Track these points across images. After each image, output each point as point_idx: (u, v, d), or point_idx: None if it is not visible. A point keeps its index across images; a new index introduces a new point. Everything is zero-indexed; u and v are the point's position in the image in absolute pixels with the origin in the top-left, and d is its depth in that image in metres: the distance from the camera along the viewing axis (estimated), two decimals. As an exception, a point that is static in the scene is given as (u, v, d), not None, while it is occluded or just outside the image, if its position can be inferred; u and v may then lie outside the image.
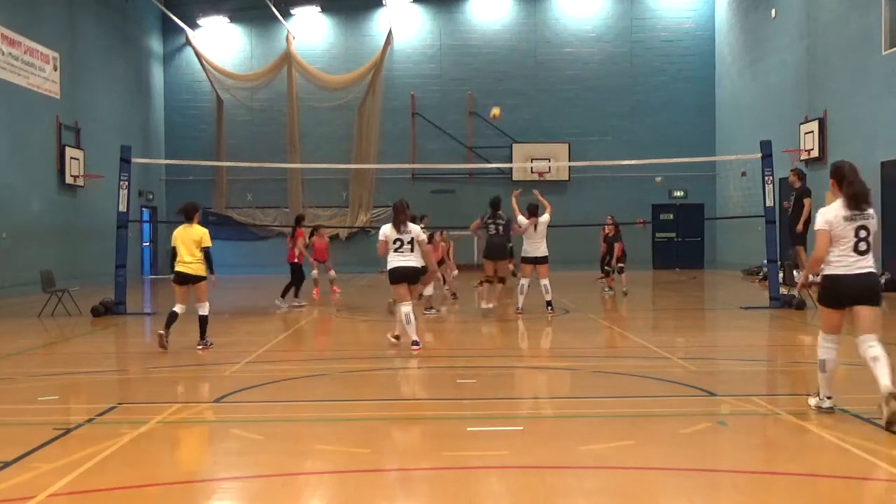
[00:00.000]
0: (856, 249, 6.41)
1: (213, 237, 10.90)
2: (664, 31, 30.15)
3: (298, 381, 8.81)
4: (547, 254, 14.47)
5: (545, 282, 14.50)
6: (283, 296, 16.48)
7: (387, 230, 10.37)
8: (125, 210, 15.59)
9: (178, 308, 10.81)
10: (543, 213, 14.46)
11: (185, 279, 10.75)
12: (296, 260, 16.76)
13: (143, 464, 5.65)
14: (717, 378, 8.77)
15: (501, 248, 14.60)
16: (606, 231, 19.78)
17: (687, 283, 23.72)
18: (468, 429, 6.53)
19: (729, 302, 17.46)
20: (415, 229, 10.46)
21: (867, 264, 6.41)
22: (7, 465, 5.39)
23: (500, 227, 14.40)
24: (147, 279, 27.54)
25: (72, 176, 22.94)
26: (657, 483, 5.14)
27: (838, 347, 6.52)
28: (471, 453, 5.81)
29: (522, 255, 14.61)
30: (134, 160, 16.39)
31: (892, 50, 19.01)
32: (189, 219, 10.85)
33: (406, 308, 10.27)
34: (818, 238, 6.50)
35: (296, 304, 16.65)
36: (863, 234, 6.44)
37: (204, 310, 10.81)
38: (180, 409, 7.15)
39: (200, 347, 10.70)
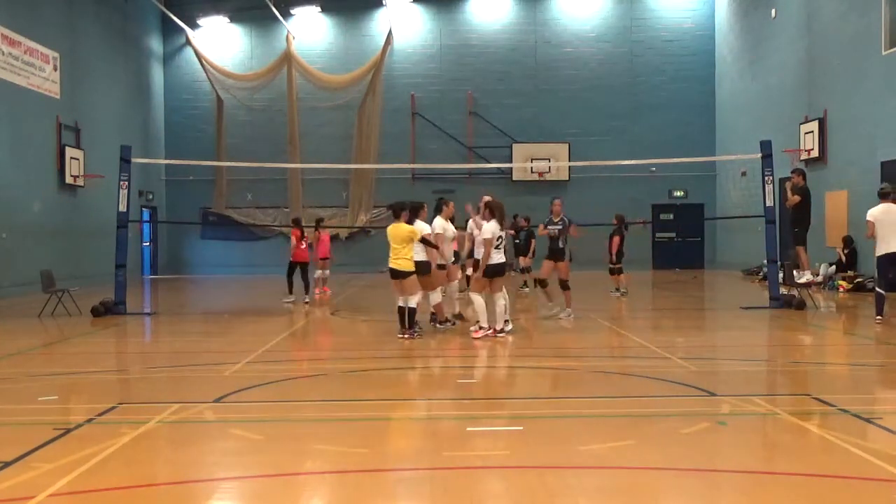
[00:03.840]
0: (497, 249, 11.45)
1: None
2: (664, 31, 30.14)
3: (298, 381, 8.81)
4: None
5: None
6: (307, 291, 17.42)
7: (494, 228, 11.46)
8: (125, 210, 15.58)
9: (399, 301, 11.28)
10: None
11: (394, 274, 11.25)
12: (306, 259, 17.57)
13: (143, 464, 5.65)
14: (717, 378, 8.77)
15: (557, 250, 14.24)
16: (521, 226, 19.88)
17: (687, 283, 23.71)
18: (468, 429, 6.53)
19: (729, 302, 17.46)
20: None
21: (501, 258, 11.51)
22: (7, 465, 5.39)
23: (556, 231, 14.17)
24: (147, 279, 27.54)
25: (72, 176, 22.94)
26: (657, 483, 5.15)
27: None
28: (471, 453, 5.82)
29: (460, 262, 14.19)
30: (134, 160, 16.39)
31: (892, 50, 19.01)
32: (396, 217, 11.42)
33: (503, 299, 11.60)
34: (486, 244, 11.38)
35: (290, 300, 17.29)
36: (501, 241, 11.54)
37: (411, 302, 11.22)
38: (180, 409, 7.15)
39: (401, 336, 11.14)
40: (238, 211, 30.13)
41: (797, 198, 17.17)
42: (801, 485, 5.07)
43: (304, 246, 17.49)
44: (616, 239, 18.56)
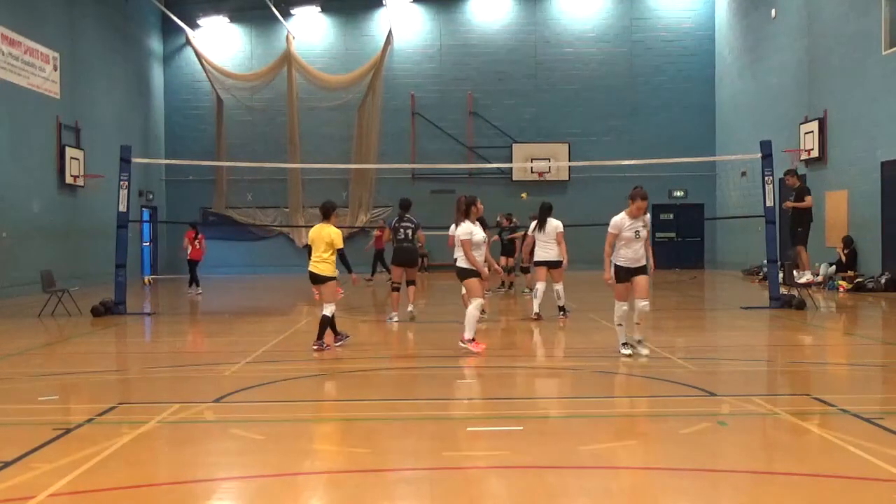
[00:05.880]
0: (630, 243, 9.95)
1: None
2: (664, 31, 30.14)
3: (298, 381, 8.81)
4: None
5: (559, 286, 13.80)
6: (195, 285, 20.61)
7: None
8: (125, 210, 15.57)
9: (326, 311, 10.51)
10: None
11: (313, 279, 10.62)
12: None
13: (143, 464, 5.65)
14: (717, 378, 8.77)
15: (411, 252, 13.75)
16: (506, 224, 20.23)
17: (687, 283, 23.71)
18: (468, 429, 6.53)
19: (729, 302, 17.45)
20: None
21: (629, 257, 10.02)
22: (7, 465, 5.39)
23: (409, 232, 13.60)
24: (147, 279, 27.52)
25: (72, 176, 22.93)
26: (657, 483, 5.15)
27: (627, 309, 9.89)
28: (471, 453, 5.82)
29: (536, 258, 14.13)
30: (134, 160, 16.38)
31: (891, 50, 19.01)
32: (326, 217, 10.62)
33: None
34: (610, 238, 10.11)
35: (197, 291, 20.54)
36: (638, 235, 10.08)
37: (327, 310, 10.47)
38: (180, 409, 7.15)
39: (315, 348, 10.36)
40: (238, 211, 30.14)
41: (810, 199, 17.34)
42: (801, 485, 5.06)
43: (198, 246, 20.83)
44: (529, 239, 18.67)
